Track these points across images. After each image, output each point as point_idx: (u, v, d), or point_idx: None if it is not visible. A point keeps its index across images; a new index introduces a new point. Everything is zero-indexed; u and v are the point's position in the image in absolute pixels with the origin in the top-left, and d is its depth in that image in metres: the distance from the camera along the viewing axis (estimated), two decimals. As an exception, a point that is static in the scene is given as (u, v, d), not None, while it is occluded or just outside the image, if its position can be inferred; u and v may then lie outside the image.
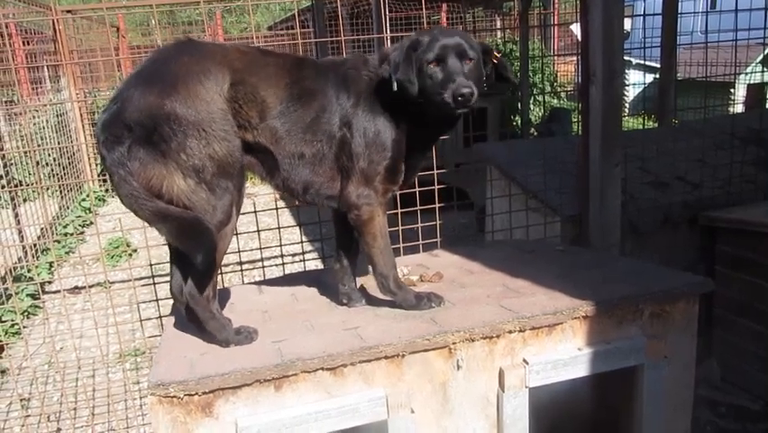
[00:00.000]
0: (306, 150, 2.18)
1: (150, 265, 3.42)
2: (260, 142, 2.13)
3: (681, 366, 2.32)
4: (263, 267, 3.78)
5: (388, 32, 4.09)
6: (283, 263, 3.78)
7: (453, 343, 2.06)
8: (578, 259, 2.84)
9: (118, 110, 1.93)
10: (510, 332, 2.11)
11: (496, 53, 2.20)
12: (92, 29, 11.51)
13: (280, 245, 3.65)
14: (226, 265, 4.49)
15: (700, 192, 3.91)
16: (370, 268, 2.38)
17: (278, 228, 3.58)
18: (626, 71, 10.56)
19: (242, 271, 3.66)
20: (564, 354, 2.16)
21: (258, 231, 3.53)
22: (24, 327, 5.04)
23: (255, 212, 3.56)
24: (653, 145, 4.13)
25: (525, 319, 2.10)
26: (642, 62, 10.77)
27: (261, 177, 2.29)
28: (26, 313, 5.32)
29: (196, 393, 1.88)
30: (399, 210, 3.46)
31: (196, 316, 2.13)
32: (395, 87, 2.12)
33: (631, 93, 11.78)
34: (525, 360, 2.13)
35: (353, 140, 2.19)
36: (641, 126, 7.48)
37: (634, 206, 3.74)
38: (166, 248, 2.83)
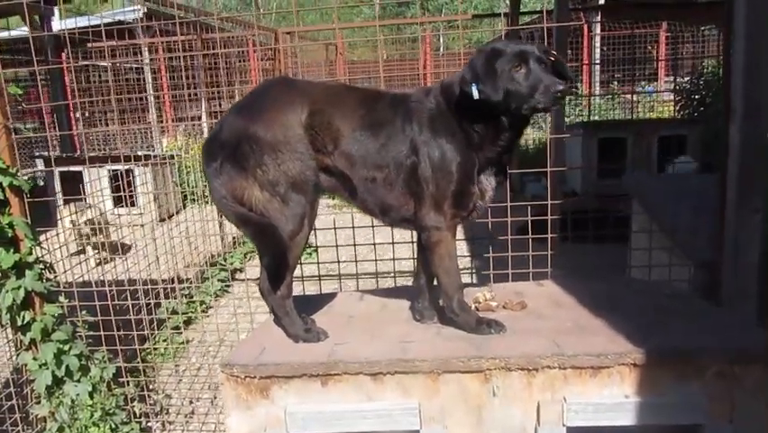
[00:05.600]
0: (377, 174, 2.40)
1: (317, 264, 3.85)
2: (337, 165, 2.41)
3: (752, 431, 2.11)
4: (395, 276, 4.05)
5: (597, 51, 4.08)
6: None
7: (488, 369, 2.14)
8: (677, 306, 2.66)
9: (216, 132, 2.38)
10: (549, 367, 2.12)
11: (553, 51, 2.27)
12: (314, 47, 12.86)
13: (412, 257, 3.86)
14: (348, 275, 4.86)
15: None
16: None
17: (412, 243, 3.77)
18: None
19: (357, 277, 3.94)
20: (609, 398, 2.11)
21: (392, 243, 3.77)
22: (210, 307, 5.93)
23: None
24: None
25: (565, 358, 2.10)
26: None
27: (346, 199, 2.55)
28: (215, 295, 6.22)
29: (255, 377, 2.21)
30: (549, 235, 3.48)
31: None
32: (476, 96, 2.22)
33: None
34: (564, 398, 2.13)
35: (420, 165, 2.35)
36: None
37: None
38: (339, 249, 3.49)
